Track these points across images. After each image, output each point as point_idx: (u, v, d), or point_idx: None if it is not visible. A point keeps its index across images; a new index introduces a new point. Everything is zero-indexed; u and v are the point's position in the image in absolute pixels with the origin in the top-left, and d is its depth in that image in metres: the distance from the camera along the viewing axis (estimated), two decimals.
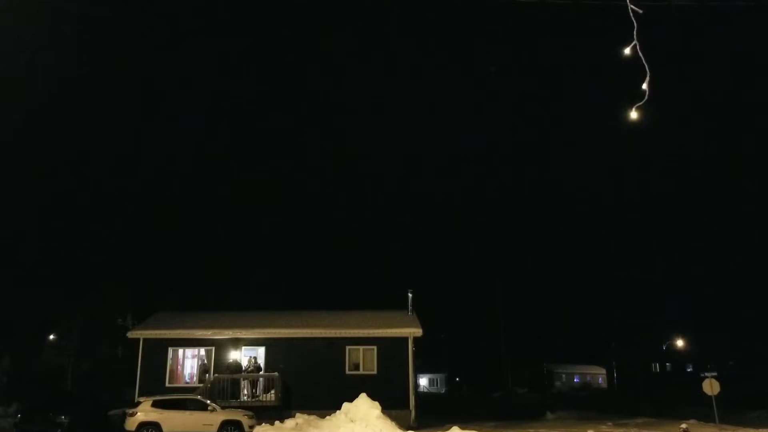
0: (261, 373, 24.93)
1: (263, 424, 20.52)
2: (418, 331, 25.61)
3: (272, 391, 24.27)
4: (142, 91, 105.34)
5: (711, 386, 20.22)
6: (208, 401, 21.54)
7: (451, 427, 19.26)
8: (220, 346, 25.72)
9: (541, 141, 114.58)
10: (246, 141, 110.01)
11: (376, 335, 25.69)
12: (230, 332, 25.73)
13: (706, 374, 20.72)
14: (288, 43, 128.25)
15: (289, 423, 20.49)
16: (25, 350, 42.77)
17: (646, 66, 7.98)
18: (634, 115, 8.41)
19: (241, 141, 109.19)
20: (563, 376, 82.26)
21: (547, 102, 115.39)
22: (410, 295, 27.95)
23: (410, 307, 27.82)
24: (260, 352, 25.88)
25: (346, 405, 19.84)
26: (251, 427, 20.46)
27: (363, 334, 25.69)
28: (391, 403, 22.23)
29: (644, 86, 8.12)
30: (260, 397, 24.30)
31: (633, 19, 7.92)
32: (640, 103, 8.27)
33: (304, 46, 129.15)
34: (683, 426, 19.56)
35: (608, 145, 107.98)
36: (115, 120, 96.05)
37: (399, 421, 20.63)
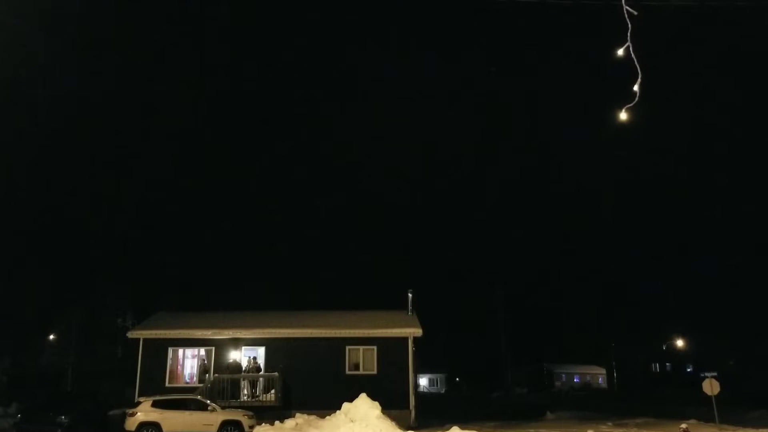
0: (261, 373, 24.94)
1: (263, 424, 20.51)
2: (418, 331, 25.62)
3: (272, 391, 24.28)
4: (142, 90, 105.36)
5: (711, 386, 20.22)
6: (208, 401, 21.55)
7: (451, 427, 19.24)
8: (220, 346, 25.73)
9: (541, 141, 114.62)
10: (245, 141, 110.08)
11: (376, 335, 25.70)
12: (230, 332, 25.75)
13: (706, 374, 20.71)
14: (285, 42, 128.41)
15: (289, 423, 20.48)
16: (25, 350, 42.82)
17: (638, 67, 8.00)
18: (624, 116, 8.44)
19: (241, 141, 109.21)
20: (563, 376, 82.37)
21: (546, 102, 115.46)
22: (410, 295, 27.95)
23: (410, 307, 27.82)
24: (260, 352, 25.89)
25: (346, 405, 19.81)
26: (251, 427, 20.46)
27: (363, 334, 25.70)
28: (391, 403, 22.20)
29: (635, 88, 8.14)
30: (260, 397, 24.30)
31: (627, 20, 7.93)
32: (631, 104, 8.30)
33: (302, 43, 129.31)
34: (683, 426, 19.52)
35: (608, 144, 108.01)
36: (115, 119, 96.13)
37: (399, 421, 20.60)
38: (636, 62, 7.96)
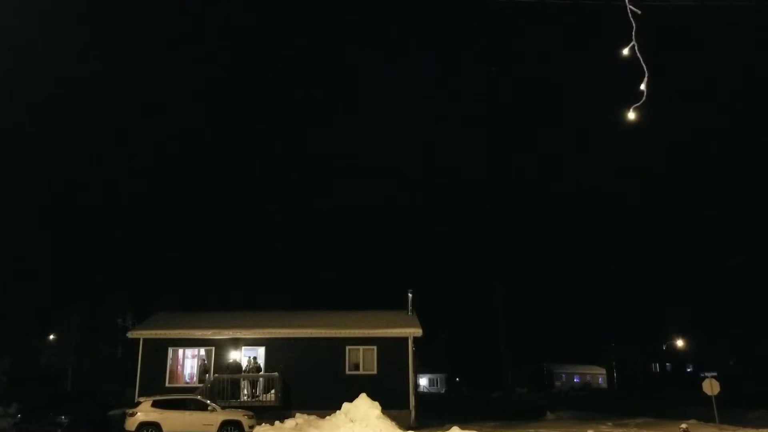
0: (261, 373, 24.93)
1: (263, 424, 20.49)
2: (418, 331, 25.60)
3: (272, 391, 24.26)
4: (142, 90, 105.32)
5: (711, 386, 20.19)
6: (208, 401, 21.53)
7: (451, 427, 19.23)
8: (220, 346, 25.71)
9: (541, 141, 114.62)
10: (246, 141, 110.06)
11: (376, 335, 25.68)
12: (230, 332, 25.73)
13: (706, 374, 20.68)
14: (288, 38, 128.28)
15: (289, 423, 20.47)
16: (25, 350, 42.82)
17: (644, 67, 7.97)
18: (632, 115, 8.41)
19: (241, 141, 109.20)
20: (563, 376, 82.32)
21: (545, 101, 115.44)
22: (410, 295, 27.92)
23: (410, 307, 27.78)
24: (260, 352, 25.87)
25: (346, 405, 19.80)
26: (251, 427, 20.44)
27: (363, 334, 25.67)
28: (391, 403, 22.17)
29: (642, 87, 8.11)
30: (260, 397, 24.29)
31: (631, 19, 7.90)
32: (638, 104, 8.27)
33: (302, 41, 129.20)
34: (683, 426, 19.50)
35: (608, 144, 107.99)
36: (115, 119, 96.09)
37: (399, 421, 20.59)
38: (642, 62, 7.91)
